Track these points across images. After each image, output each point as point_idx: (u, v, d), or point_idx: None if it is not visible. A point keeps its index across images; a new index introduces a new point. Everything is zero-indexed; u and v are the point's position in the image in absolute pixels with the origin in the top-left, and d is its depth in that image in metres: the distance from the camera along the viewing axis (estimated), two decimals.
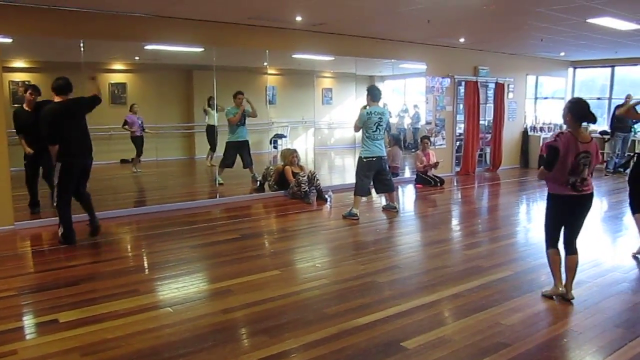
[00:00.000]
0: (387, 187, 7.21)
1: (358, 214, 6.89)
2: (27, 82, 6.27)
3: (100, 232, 5.76)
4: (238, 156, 8.65)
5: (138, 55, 8.98)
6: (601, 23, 7.42)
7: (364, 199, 7.20)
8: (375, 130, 6.80)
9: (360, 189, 6.98)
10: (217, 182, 8.54)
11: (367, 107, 6.84)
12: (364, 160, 6.91)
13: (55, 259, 5.20)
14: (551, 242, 4.12)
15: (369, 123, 6.77)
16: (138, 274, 4.79)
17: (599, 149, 4.04)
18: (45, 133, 5.36)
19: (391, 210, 7.33)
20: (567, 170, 3.85)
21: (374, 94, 6.87)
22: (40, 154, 6.04)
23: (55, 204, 5.55)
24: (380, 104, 7.08)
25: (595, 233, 6.46)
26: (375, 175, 7.05)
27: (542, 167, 3.99)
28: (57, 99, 5.43)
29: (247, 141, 8.74)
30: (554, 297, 4.09)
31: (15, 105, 7.38)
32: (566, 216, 4.04)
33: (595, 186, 4.11)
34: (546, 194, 4.13)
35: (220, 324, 3.65)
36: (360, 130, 6.92)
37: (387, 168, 7.24)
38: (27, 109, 6.32)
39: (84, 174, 5.60)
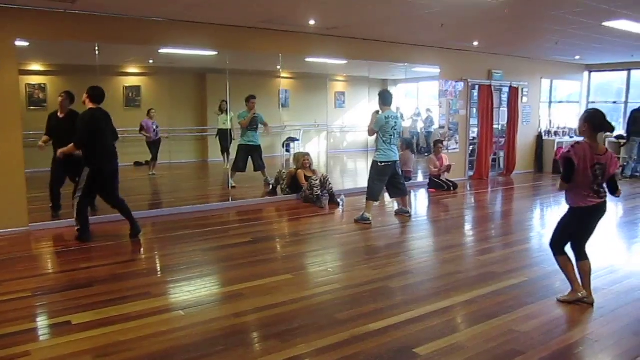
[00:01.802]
0: (400, 191, 7.17)
1: (371, 218, 6.84)
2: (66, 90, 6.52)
3: (139, 235, 5.93)
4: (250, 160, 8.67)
5: (152, 59, 9.05)
6: (617, 26, 7.34)
7: (376, 203, 7.16)
8: (392, 135, 6.76)
9: (373, 194, 6.91)
10: (229, 185, 8.56)
11: (382, 112, 6.78)
12: (380, 164, 6.85)
13: (69, 260, 5.24)
14: (560, 249, 4.12)
15: (387, 127, 6.72)
16: (151, 277, 4.81)
17: (615, 157, 4.01)
18: (80, 136, 5.56)
19: (404, 214, 7.28)
20: (589, 180, 3.84)
21: (385, 98, 6.83)
22: (69, 161, 6.13)
23: (76, 203, 5.75)
24: (393, 108, 7.04)
25: (611, 239, 6.37)
26: (389, 179, 7.00)
27: (560, 179, 3.96)
28: (91, 106, 5.63)
29: (258, 145, 8.74)
30: (572, 303, 4.04)
31: (31, 107, 7.50)
32: (585, 227, 4.03)
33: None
34: (564, 202, 4.09)
35: (232, 327, 3.64)
36: (375, 135, 6.86)
37: (400, 172, 7.21)
38: (59, 115, 6.46)
39: (113, 179, 5.82)
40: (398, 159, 7.02)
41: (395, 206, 7.58)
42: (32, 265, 5.09)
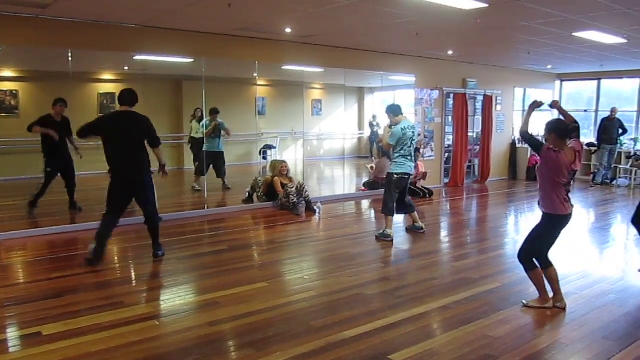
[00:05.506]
0: (407, 206, 6.82)
1: (392, 234, 6.45)
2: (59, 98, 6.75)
3: (158, 257, 5.47)
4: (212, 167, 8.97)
5: (127, 65, 8.95)
6: (587, 37, 7.53)
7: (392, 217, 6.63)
8: (410, 146, 6.44)
9: (388, 209, 6.52)
10: (194, 188, 8.92)
11: (396, 123, 6.44)
12: (395, 177, 6.46)
13: (39, 270, 5.13)
14: (531, 261, 4.17)
15: (405, 139, 6.37)
16: (124, 286, 4.73)
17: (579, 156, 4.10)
18: (80, 128, 5.23)
19: (417, 231, 6.85)
20: (565, 181, 3.95)
21: (395, 110, 6.51)
22: (62, 163, 6.47)
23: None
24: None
25: (583, 245, 6.49)
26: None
27: (532, 141, 4.14)
28: (119, 109, 5.33)
29: (221, 152, 9.11)
30: (538, 309, 4.13)
31: (2, 114, 7.38)
32: (555, 235, 4.12)
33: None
34: (537, 209, 4.16)
35: (207, 336, 3.61)
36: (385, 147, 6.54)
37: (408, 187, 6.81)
38: (56, 119, 6.71)
39: (141, 191, 5.33)
40: (413, 172, 6.71)
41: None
42: (1, 276, 4.96)
